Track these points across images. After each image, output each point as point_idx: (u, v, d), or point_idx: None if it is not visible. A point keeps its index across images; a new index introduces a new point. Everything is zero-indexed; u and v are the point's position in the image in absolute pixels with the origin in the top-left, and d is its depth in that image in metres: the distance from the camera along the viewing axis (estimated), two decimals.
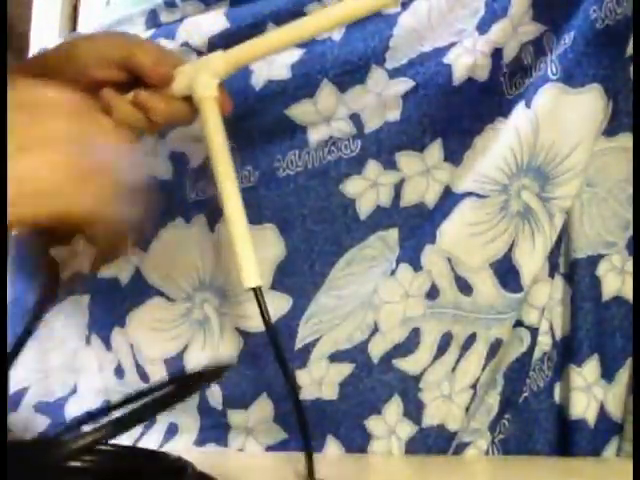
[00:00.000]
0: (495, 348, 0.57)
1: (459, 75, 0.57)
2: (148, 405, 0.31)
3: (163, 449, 0.62)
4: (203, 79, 0.48)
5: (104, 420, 0.32)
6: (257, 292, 0.48)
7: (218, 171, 0.48)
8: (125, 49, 0.48)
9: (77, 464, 0.35)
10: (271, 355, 0.60)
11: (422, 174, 0.60)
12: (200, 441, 0.62)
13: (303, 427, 0.46)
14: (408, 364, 0.57)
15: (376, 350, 0.57)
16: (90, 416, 0.42)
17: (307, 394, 0.59)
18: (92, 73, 0.48)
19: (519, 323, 0.59)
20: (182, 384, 0.35)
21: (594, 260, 0.58)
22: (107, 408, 0.38)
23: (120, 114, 0.47)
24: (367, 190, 0.61)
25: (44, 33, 0.81)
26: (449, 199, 0.59)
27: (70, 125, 0.31)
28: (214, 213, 0.61)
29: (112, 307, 0.67)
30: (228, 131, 0.64)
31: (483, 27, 0.56)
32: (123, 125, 0.45)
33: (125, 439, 0.65)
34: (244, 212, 0.48)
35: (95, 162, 0.32)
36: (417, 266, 0.58)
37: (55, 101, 0.32)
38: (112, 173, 0.33)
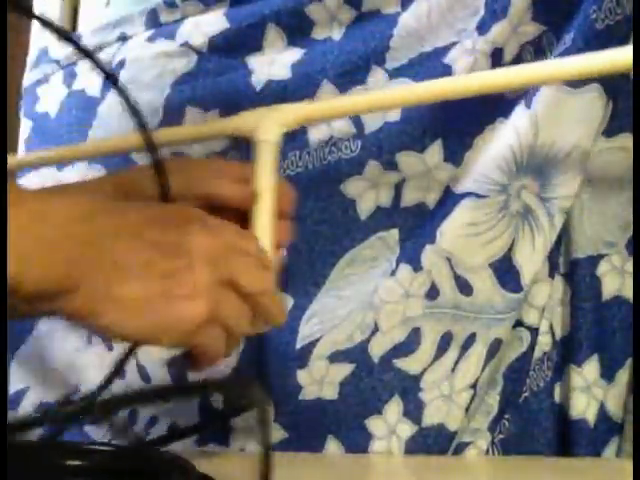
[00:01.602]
0: (495, 348, 0.57)
1: (459, 75, 0.56)
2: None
3: (164, 449, 0.62)
4: (267, 124, 0.49)
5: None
6: None
7: (255, 218, 0.48)
8: (204, 184, 0.47)
9: (77, 463, 0.35)
10: (271, 355, 0.60)
11: (422, 174, 0.60)
12: (201, 441, 0.62)
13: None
14: (408, 364, 0.57)
15: (376, 350, 0.57)
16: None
17: (307, 394, 0.59)
18: None
19: (519, 323, 0.59)
20: (183, 391, 0.35)
21: (594, 260, 0.58)
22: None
23: None
24: (367, 190, 0.61)
25: (44, 33, 0.81)
26: (449, 199, 0.59)
27: (213, 275, 0.35)
28: None
29: None
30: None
31: (483, 27, 0.56)
32: None
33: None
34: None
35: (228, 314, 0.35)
36: (417, 266, 0.58)
37: (205, 249, 0.35)
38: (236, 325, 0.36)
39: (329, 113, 0.51)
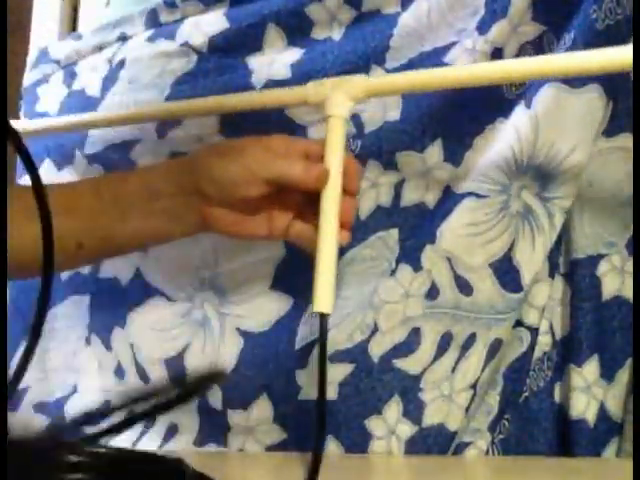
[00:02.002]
0: (495, 348, 0.57)
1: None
2: (148, 409, 0.32)
3: (163, 449, 0.62)
4: (338, 98, 0.49)
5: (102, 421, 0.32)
6: (323, 318, 0.48)
7: (323, 195, 0.48)
8: (274, 166, 0.48)
9: (74, 462, 0.35)
10: (271, 355, 0.60)
11: (422, 174, 0.60)
12: (200, 441, 0.62)
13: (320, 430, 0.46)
14: (408, 364, 0.57)
15: (376, 350, 0.57)
16: (89, 416, 0.42)
17: (307, 394, 0.59)
18: (243, 192, 0.48)
19: (519, 323, 0.59)
20: (183, 388, 0.34)
21: (594, 260, 0.58)
22: (107, 409, 0.37)
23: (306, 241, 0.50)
24: (367, 190, 0.60)
25: (44, 33, 0.81)
26: (449, 199, 0.59)
27: None
28: None
29: (112, 307, 0.67)
30: (230, 131, 0.64)
31: (483, 27, 0.56)
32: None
33: (125, 439, 0.65)
34: (337, 237, 0.48)
35: None
36: (417, 266, 0.58)
37: None
38: None
39: (399, 86, 0.51)
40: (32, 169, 0.31)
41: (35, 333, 0.30)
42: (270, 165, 0.48)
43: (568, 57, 0.47)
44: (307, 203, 0.50)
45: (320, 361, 0.47)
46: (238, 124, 0.62)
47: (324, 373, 0.47)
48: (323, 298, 0.47)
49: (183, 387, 0.34)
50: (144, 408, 0.33)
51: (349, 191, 0.49)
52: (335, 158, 0.48)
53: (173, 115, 0.62)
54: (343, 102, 0.49)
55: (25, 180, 0.72)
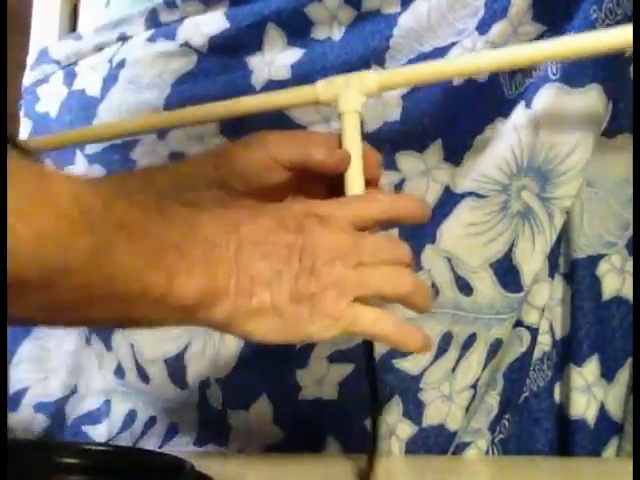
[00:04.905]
0: (495, 348, 0.57)
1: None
2: None
3: (163, 449, 0.62)
4: (351, 93, 0.49)
5: None
6: None
7: (348, 185, 0.48)
8: (296, 149, 0.48)
9: (76, 462, 0.35)
10: (271, 355, 0.60)
11: (422, 174, 0.60)
12: (200, 441, 0.62)
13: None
14: (408, 364, 0.57)
15: (376, 350, 0.57)
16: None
17: (307, 394, 0.59)
18: (265, 179, 0.48)
19: (519, 323, 0.59)
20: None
21: (594, 260, 0.58)
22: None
23: None
24: (367, 190, 0.60)
25: (44, 33, 0.81)
26: (449, 199, 0.59)
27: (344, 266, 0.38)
28: None
29: None
30: (231, 132, 0.64)
31: (483, 27, 0.56)
32: None
33: (125, 439, 0.65)
34: None
35: None
36: (417, 266, 0.57)
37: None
38: None
39: (410, 79, 0.51)
40: None
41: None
42: (292, 149, 0.48)
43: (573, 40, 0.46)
44: (333, 193, 0.50)
45: (367, 362, 0.47)
46: (238, 125, 0.62)
47: (372, 359, 0.48)
48: None
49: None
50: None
51: (371, 180, 0.49)
52: (353, 150, 0.48)
53: (181, 122, 0.62)
54: (356, 97, 0.49)
55: None
